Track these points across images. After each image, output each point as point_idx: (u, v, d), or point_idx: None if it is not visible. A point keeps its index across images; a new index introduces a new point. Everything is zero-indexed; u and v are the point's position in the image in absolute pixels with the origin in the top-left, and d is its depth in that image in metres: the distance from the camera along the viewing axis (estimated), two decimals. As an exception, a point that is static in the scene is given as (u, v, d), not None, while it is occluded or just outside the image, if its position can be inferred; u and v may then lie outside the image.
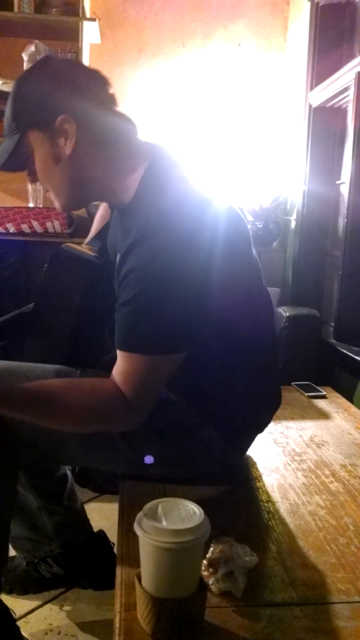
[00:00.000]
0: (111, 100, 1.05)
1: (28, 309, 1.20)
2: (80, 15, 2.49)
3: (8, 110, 1.04)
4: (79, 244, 1.26)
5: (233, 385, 1.08)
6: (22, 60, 2.56)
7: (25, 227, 2.55)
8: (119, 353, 0.97)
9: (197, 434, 1.07)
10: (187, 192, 1.00)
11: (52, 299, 1.16)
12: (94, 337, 1.13)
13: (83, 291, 1.12)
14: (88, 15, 2.57)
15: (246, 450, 1.21)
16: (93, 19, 2.53)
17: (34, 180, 1.08)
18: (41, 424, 0.99)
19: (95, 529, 1.42)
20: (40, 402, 0.97)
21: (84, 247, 1.23)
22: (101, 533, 1.42)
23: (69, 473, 1.37)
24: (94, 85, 1.04)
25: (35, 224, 2.54)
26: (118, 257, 1.01)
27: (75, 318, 1.12)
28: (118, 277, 0.99)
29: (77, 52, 2.52)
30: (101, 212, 1.45)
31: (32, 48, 2.55)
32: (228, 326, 1.03)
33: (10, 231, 2.54)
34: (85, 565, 1.36)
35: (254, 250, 1.12)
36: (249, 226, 1.19)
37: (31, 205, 2.66)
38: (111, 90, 1.06)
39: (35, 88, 1.01)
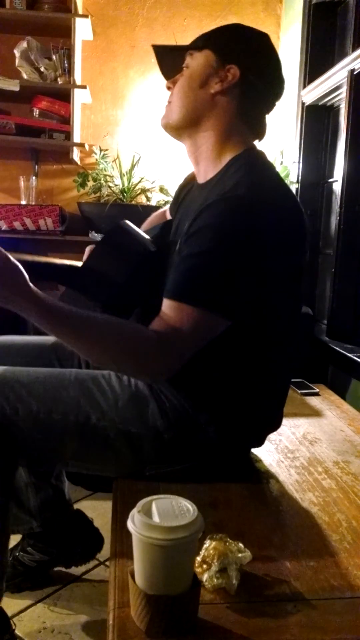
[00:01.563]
0: (270, 106, 1.15)
1: (77, 265, 1.18)
2: (73, 12, 2.48)
3: (207, 32, 1.13)
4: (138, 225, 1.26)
5: (244, 395, 1.08)
6: (14, 56, 2.55)
7: (17, 225, 2.53)
8: (170, 304, 0.95)
9: (196, 436, 1.07)
10: (281, 179, 1.08)
11: (97, 270, 1.13)
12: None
13: (129, 273, 1.09)
14: (80, 12, 2.56)
15: (244, 456, 1.22)
16: (85, 16, 2.52)
17: (170, 90, 1.14)
18: (74, 346, 0.97)
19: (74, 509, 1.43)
20: (81, 324, 0.94)
21: (141, 231, 1.21)
22: (78, 511, 1.42)
23: None
24: (274, 87, 1.13)
25: (27, 221, 2.53)
26: (188, 222, 1.02)
27: (111, 296, 1.09)
28: (188, 232, 1.00)
29: (70, 48, 2.51)
30: (152, 218, 1.46)
31: (24, 44, 2.54)
32: (261, 326, 1.04)
33: (3, 229, 2.53)
34: (66, 545, 1.37)
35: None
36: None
37: (24, 202, 2.65)
38: (278, 99, 1.16)
39: (245, 35, 1.13)
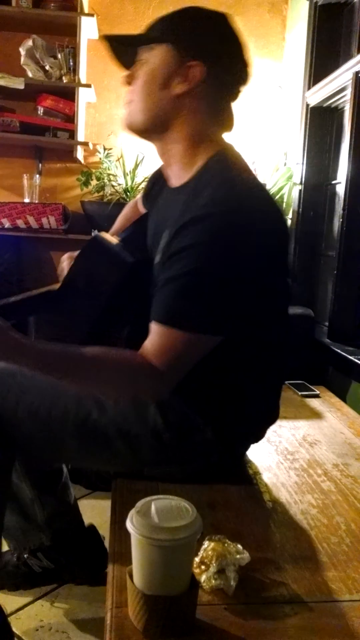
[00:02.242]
0: (236, 94, 1.07)
1: (54, 288, 1.17)
2: (78, 10, 2.48)
3: (162, 21, 1.01)
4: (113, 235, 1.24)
5: (238, 395, 1.08)
6: (19, 54, 2.55)
7: (20, 223, 2.54)
8: (157, 328, 0.94)
9: (195, 436, 1.07)
10: (257, 181, 1.02)
11: (80, 288, 1.12)
12: (109, 339, 1.11)
13: (113, 289, 1.08)
14: (86, 10, 2.56)
15: (243, 455, 1.22)
16: (91, 15, 2.52)
17: (129, 84, 1.06)
18: (70, 383, 0.99)
19: (86, 525, 1.42)
20: (73, 362, 0.95)
21: (117, 241, 1.19)
22: (91, 527, 1.42)
23: (64, 466, 1.37)
24: (241, 73, 1.05)
25: (30, 219, 2.53)
26: (167, 233, 1.00)
27: (98, 311, 1.08)
28: (168, 251, 0.97)
29: (75, 47, 2.51)
30: (126, 211, 1.44)
31: (30, 43, 2.54)
32: (256, 330, 1.03)
33: (6, 226, 2.53)
34: (75, 557, 1.36)
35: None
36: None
37: (27, 200, 2.65)
38: (245, 85, 1.07)
39: (203, 22, 1.01)
